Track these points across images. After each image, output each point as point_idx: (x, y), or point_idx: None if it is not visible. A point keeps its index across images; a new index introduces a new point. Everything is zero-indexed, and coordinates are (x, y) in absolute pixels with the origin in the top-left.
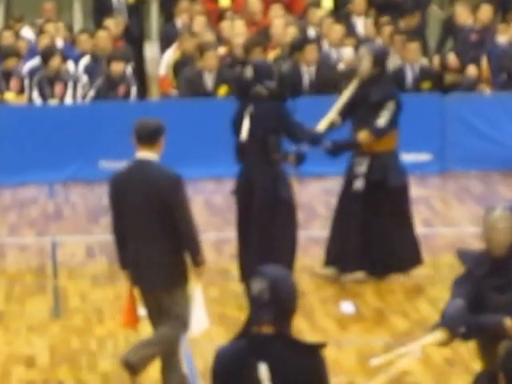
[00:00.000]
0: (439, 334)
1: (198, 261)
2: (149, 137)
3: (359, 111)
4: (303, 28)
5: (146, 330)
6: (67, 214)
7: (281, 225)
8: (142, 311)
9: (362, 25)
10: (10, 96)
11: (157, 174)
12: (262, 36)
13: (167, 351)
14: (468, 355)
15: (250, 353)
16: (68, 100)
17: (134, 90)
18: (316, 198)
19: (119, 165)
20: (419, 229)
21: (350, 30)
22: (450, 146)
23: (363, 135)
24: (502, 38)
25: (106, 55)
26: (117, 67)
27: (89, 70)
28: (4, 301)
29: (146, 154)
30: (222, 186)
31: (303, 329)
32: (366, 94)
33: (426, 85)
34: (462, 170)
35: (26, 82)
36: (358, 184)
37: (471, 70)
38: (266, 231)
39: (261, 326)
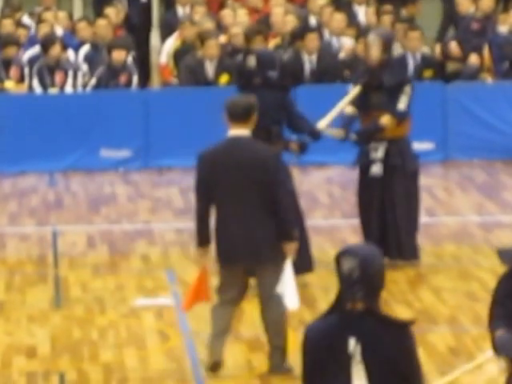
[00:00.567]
0: (503, 363)
1: (292, 236)
2: (242, 114)
3: (373, 98)
4: (304, 17)
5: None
6: (68, 203)
7: None
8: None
9: (363, 13)
10: (10, 85)
11: (257, 150)
12: (262, 24)
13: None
14: (472, 345)
15: (342, 328)
16: (68, 89)
17: (135, 79)
18: (318, 187)
19: (120, 154)
20: (422, 218)
21: (352, 19)
22: (453, 134)
23: (386, 119)
24: (503, 28)
25: (106, 44)
26: (118, 56)
27: (89, 59)
28: (4, 291)
29: (240, 131)
30: None
31: (306, 318)
32: (379, 80)
33: (428, 73)
34: (465, 159)
35: (26, 70)
36: (376, 169)
37: (473, 59)
38: None
39: (354, 303)
